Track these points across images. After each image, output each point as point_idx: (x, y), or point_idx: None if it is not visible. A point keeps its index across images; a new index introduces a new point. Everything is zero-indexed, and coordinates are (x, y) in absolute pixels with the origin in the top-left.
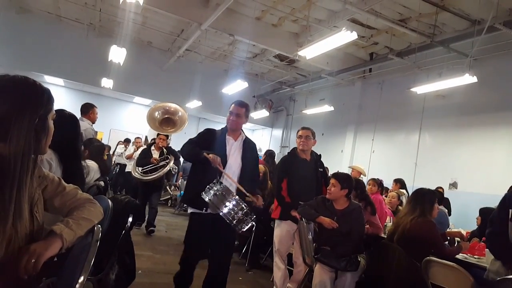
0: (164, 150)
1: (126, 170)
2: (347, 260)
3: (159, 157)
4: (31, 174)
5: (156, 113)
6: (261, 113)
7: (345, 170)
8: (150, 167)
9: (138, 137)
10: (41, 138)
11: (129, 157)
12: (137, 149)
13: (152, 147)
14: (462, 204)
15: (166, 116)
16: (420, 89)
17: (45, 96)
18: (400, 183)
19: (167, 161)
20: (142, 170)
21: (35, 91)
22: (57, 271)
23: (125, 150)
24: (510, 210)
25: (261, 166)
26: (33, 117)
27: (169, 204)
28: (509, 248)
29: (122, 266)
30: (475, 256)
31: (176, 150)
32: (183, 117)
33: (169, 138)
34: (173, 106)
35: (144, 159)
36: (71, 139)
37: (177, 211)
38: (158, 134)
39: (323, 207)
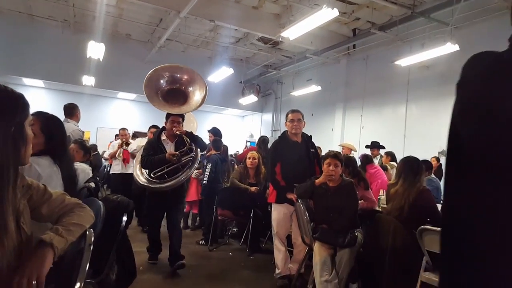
0: (185, 139)
1: (112, 172)
2: (345, 236)
3: (176, 150)
4: (13, 186)
5: (162, 82)
6: (250, 99)
7: (336, 148)
8: (166, 168)
9: (123, 128)
10: (20, 147)
11: (113, 156)
12: (124, 145)
13: (163, 136)
14: None
15: (174, 86)
16: (404, 62)
17: (20, 103)
18: (390, 155)
19: (192, 155)
20: (154, 174)
21: (7, 98)
22: (53, 278)
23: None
24: None
25: (254, 153)
26: (8, 126)
27: None
28: None
29: (122, 265)
30: None
31: None
32: (200, 88)
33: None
34: (186, 70)
35: (153, 156)
36: (60, 140)
37: None
38: (168, 116)
39: (317, 185)
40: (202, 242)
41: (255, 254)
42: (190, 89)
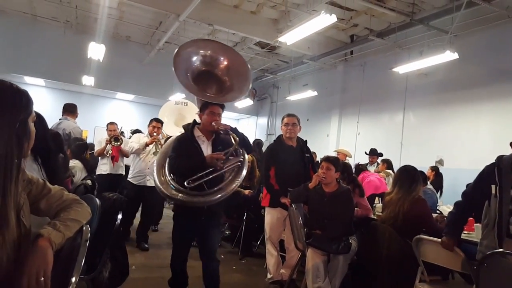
0: (232, 136)
1: (99, 172)
2: (339, 243)
3: (214, 150)
4: (16, 180)
5: (195, 59)
6: (245, 102)
7: (331, 154)
8: (206, 175)
9: (112, 123)
10: (23, 142)
11: (100, 154)
12: (112, 141)
13: (198, 132)
14: (450, 181)
15: (208, 69)
16: (402, 69)
17: (24, 99)
18: (387, 163)
19: (240, 158)
20: (190, 183)
21: (12, 94)
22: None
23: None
24: (493, 186)
25: (248, 156)
26: (13, 122)
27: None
28: (461, 223)
29: (115, 263)
30: (465, 232)
31: None
32: (243, 73)
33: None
34: (232, 54)
35: (185, 157)
36: (41, 137)
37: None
38: (204, 106)
39: (312, 190)
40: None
41: (247, 258)
42: (228, 77)
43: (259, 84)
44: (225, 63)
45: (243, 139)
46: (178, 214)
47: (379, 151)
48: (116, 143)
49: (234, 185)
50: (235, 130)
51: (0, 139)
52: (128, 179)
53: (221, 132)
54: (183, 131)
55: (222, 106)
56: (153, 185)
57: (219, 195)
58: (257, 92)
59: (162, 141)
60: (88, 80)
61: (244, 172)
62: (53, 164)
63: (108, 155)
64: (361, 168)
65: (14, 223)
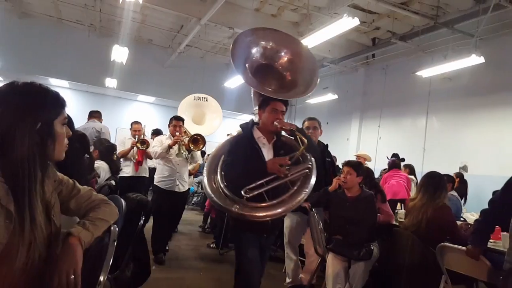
0: (299, 137)
1: (121, 174)
2: (360, 249)
3: (276, 155)
4: (41, 181)
5: (254, 50)
6: None
7: (352, 158)
8: (266, 184)
9: (136, 122)
10: (47, 144)
11: (124, 155)
12: (139, 144)
13: (258, 133)
14: (474, 188)
15: (268, 62)
16: (425, 73)
17: (48, 100)
18: (409, 168)
19: (308, 165)
20: (248, 192)
21: (36, 96)
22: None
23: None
24: None
25: None
26: (34, 123)
27: None
28: (488, 232)
29: (137, 263)
30: (491, 240)
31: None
32: (308, 66)
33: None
34: (298, 47)
35: (243, 161)
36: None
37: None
38: (265, 102)
39: (334, 195)
40: (213, 245)
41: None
42: (292, 71)
43: None
44: (288, 55)
45: (310, 143)
46: (243, 229)
47: (401, 156)
48: (142, 147)
49: (301, 197)
50: (301, 131)
51: (22, 141)
52: (155, 183)
53: (286, 132)
54: (202, 129)
55: (286, 103)
56: (183, 190)
57: (283, 209)
58: None
59: (186, 140)
60: (111, 82)
61: (313, 181)
62: (78, 165)
63: (134, 159)
64: (397, 163)
65: (41, 222)
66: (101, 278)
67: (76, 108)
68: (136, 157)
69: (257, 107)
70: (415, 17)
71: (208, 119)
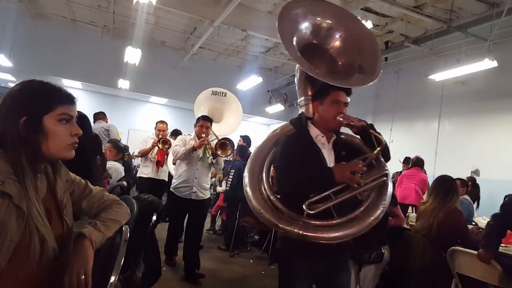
0: (375, 135)
1: (140, 175)
2: (371, 252)
3: (338, 158)
4: (33, 178)
5: (305, 26)
6: (276, 108)
7: None
8: (334, 195)
9: (162, 121)
10: (35, 139)
11: (144, 154)
12: (160, 144)
13: (314, 131)
14: (486, 192)
15: (319, 41)
16: (438, 76)
17: (37, 95)
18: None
19: (384, 171)
20: (310, 207)
21: (24, 91)
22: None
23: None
24: None
25: None
26: (17, 117)
27: None
28: (500, 236)
29: (148, 264)
30: (502, 244)
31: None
32: (369, 49)
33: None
34: (345, 16)
35: (301, 167)
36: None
37: None
38: (324, 90)
39: None
40: (223, 247)
41: (276, 263)
42: (350, 54)
43: (291, 90)
44: (345, 34)
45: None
46: (295, 255)
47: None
48: (164, 147)
49: (378, 212)
50: (372, 127)
51: (10, 135)
52: (170, 188)
53: (352, 130)
54: (219, 128)
55: (349, 93)
56: (201, 198)
57: (357, 228)
58: (288, 98)
59: (213, 144)
60: (123, 84)
61: (390, 191)
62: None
63: (153, 159)
64: (421, 160)
65: (45, 220)
66: (112, 279)
67: (89, 109)
68: (156, 156)
69: (303, 98)
70: (428, 20)
71: (227, 117)
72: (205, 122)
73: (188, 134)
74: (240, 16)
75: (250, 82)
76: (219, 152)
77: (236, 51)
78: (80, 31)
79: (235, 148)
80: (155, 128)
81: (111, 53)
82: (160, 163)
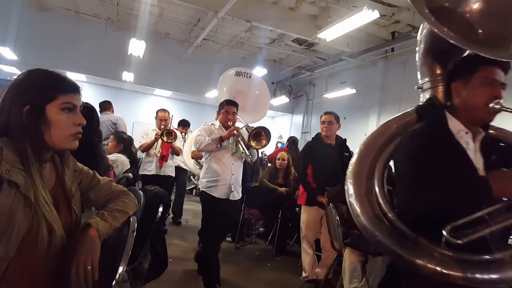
0: None
1: (142, 172)
2: None
3: (489, 163)
4: (39, 167)
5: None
6: (281, 100)
7: None
8: (492, 217)
9: (163, 110)
10: (38, 128)
11: (146, 149)
12: (164, 136)
13: (455, 124)
14: None
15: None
16: None
17: (40, 83)
18: None
19: None
20: (454, 233)
21: (27, 79)
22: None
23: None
24: None
25: (283, 153)
26: (21, 105)
27: (194, 194)
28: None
29: (155, 255)
30: None
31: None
32: None
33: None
34: None
35: (453, 176)
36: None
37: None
38: (473, 67)
39: None
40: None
41: (281, 256)
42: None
43: (295, 82)
44: None
45: None
46: None
47: None
48: (168, 139)
49: None
50: None
51: (15, 123)
52: (202, 189)
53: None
54: (245, 116)
55: (506, 69)
56: (238, 198)
57: None
58: (292, 90)
59: (245, 136)
60: (127, 76)
61: None
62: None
63: (157, 154)
64: None
65: (51, 208)
66: (120, 269)
67: (93, 101)
68: (160, 150)
69: (427, 79)
70: None
71: (252, 103)
72: (230, 107)
73: (212, 124)
74: (244, 7)
75: (255, 73)
76: (254, 144)
77: (241, 42)
78: (84, 23)
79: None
80: (156, 117)
81: (115, 45)
82: (165, 158)
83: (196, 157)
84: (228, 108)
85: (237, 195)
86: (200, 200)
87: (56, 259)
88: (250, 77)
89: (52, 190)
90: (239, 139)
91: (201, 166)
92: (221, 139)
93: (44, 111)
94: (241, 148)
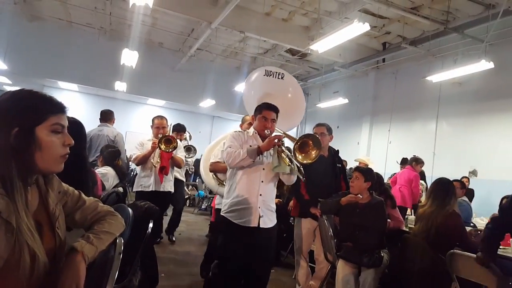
0: None
1: (136, 189)
2: (370, 256)
3: None
4: (23, 190)
5: None
6: None
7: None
8: None
9: (160, 117)
10: (27, 151)
11: (142, 161)
12: (162, 144)
13: None
14: (483, 192)
15: None
16: (436, 77)
17: (29, 105)
18: (420, 174)
19: None
20: None
21: (15, 100)
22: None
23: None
24: None
25: None
26: (9, 128)
27: (187, 204)
28: (498, 239)
29: (145, 272)
30: (501, 247)
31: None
32: None
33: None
34: None
35: None
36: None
37: (196, 211)
38: None
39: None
40: None
41: (275, 268)
42: None
43: None
44: None
45: None
46: None
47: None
48: (167, 148)
49: None
50: None
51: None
52: (222, 213)
53: None
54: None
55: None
56: (269, 226)
57: None
58: None
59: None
60: (120, 86)
61: None
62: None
63: (156, 165)
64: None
65: (35, 234)
66: None
67: (86, 112)
68: (159, 161)
69: None
70: (425, 22)
71: (285, 107)
72: (269, 113)
73: (245, 131)
74: (237, 18)
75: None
76: (301, 158)
77: (234, 52)
78: (76, 33)
79: None
80: (152, 126)
81: (107, 55)
82: (165, 170)
83: (216, 170)
84: (266, 113)
85: (268, 222)
86: (221, 226)
87: (39, 285)
88: (282, 78)
89: (35, 214)
90: (283, 149)
91: (220, 182)
92: (259, 151)
93: (34, 133)
94: (288, 161)
